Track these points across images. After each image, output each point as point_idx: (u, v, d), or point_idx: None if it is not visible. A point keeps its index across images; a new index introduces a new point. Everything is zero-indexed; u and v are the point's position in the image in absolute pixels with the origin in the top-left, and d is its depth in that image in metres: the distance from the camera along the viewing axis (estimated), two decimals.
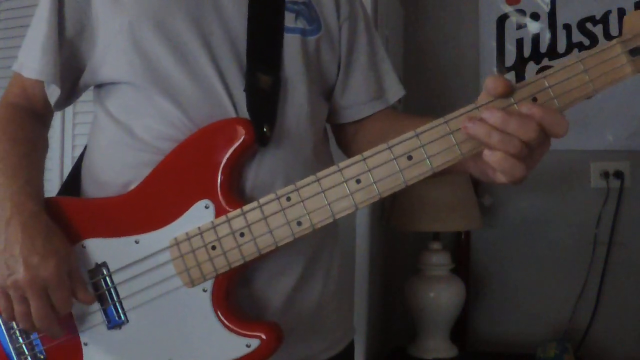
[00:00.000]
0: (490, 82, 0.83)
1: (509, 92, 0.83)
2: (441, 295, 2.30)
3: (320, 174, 0.91)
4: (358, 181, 0.89)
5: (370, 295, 2.19)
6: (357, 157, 0.89)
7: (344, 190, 0.90)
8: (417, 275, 2.37)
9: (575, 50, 2.55)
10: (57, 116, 2.44)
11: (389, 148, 0.87)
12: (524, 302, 2.57)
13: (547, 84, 0.83)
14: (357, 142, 1.19)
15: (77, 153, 2.35)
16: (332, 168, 0.90)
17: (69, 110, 2.44)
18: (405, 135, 0.87)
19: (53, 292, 0.95)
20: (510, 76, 2.62)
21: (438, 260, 2.34)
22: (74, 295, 0.97)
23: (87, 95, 1.18)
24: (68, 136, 2.44)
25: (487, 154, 0.83)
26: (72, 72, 1.10)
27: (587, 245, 2.50)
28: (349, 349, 1.20)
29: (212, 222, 0.95)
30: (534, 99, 0.83)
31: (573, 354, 2.30)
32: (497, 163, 0.82)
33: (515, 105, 0.83)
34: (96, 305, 1.00)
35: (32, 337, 1.03)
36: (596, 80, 0.82)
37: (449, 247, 2.44)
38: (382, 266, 2.48)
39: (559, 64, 0.83)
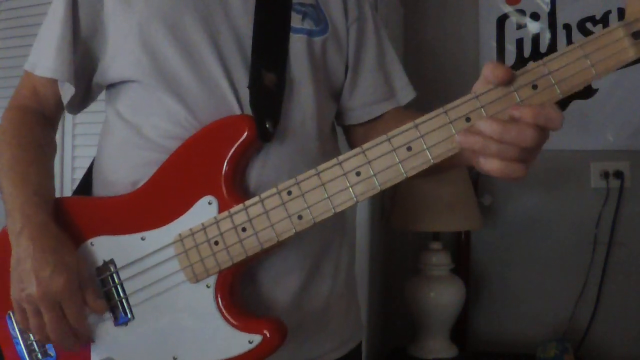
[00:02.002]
0: (488, 70, 0.81)
1: (508, 80, 0.81)
2: (441, 295, 2.30)
3: (320, 167, 0.91)
4: (358, 173, 0.88)
5: (370, 295, 2.19)
6: (357, 150, 0.88)
7: (344, 183, 0.89)
8: (417, 275, 2.37)
9: None
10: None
11: (388, 139, 0.87)
12: (524, 302, 2.57)
13: (547, 71, 0.81)
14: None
15: (78, 154, 2.38)
16: (332, 161, 0.90)
17: (68, 117, 2.44)
18: (404, 126, 0.86)
19: (65, 305, 0.96)
20: None
21: (438, 260, 2.34)
22: (86, 304, 0.98)
23: None
24: (68, 137, 2.44)
25: (482, 162, 0.82)
26: (85, 72, 1.11)
27: (587, 245, 2.50)
28: (357, 350, 1.20)
29: (215, 217, 0.96)
30: (534, 86, 0.81)
31: (573, 354, 2.30)
32: (495, 171, 0.81)
33: (515, 92, 0.81)
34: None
35: None
36: (597, 65, 0.80)
37: (449, 247, 2.44)
38: (382, 266, 2.49)
39: (559, 50, 0.82)
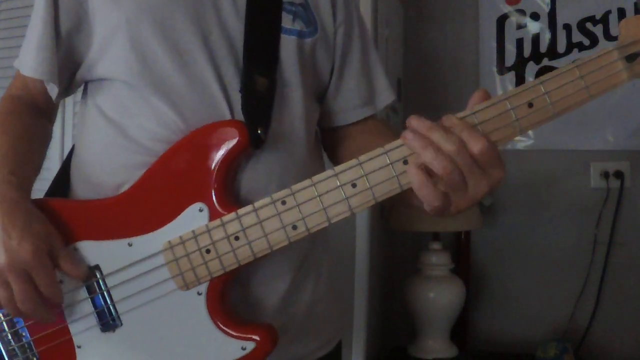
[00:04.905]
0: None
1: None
2: (441, 295, 2.30)
3: (315, 178, 0.90)
4: (354, 185, 0.89)
5: (370, 295, 2.19)
6: (353, 162, 0.88)
7: (340, 195, 0.89)
8: (417, 275, 2.37)
9: (575, 50, 2.55)
10: (57, 116, 2.45)
11: (386, 153, 0.87)
12: (524, 301, 2.57)
13: (543, 90, 0.83)
14: (345, 148, 1.19)
15: None
16: (328, 172, 0.90)
17: (69, 109, 2.45)
18: (399, 140, 0.87)
19: (35, 274, 0.92)
20: (510, 76, 2.62)
21: (438, 260, 2.35)
22: (61, 271, 0.95)
23: None
24: (68, 136, 2.44)
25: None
26: (69, 67, 1.09)
27: (587, 245, 2.50)
28: (338, 348, 1.21)
29: (207, 225, 0.94)
30: (530, 105, 0.83)
31: (573, 354, 2.30)
32: (412, 175, 0.84)
33: (511, 111, 0.83)
34: (89, 308, 0.99)
35: (24, 339, 1.02)
36: (592, 87, 0.82)
37: (449, 247, 2.44)
38: (382, 266, 2.48)
39: (556, 70, 0.83)
